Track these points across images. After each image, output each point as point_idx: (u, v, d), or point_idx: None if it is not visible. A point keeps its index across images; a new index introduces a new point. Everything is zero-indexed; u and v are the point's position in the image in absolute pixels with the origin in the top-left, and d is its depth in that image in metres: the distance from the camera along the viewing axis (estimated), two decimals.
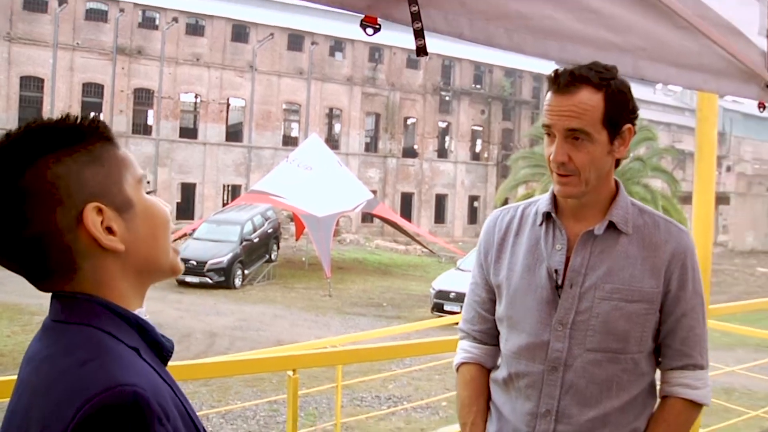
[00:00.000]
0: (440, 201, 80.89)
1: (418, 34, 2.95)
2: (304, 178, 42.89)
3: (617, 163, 3.23)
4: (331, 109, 75.26)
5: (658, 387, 3.37)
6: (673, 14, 3.98)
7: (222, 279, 38.81)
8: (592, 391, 3.16)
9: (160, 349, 1.99)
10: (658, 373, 3.39)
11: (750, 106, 5.80)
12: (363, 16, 2.96)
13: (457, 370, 3.63)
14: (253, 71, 69.28)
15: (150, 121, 66.00)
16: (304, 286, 40.28)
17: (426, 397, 16.36)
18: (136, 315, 1.94)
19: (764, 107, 4.77)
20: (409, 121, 79.85)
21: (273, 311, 31.80)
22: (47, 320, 1.93)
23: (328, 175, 43.98)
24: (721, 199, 77.18)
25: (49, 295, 1.95)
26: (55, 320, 1.90)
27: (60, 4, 60.51)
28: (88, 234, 1.86)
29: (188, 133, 67.48)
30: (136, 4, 64.07)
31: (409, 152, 79.22)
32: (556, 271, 3.21)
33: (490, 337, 3.52)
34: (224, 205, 60.70)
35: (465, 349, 3.61)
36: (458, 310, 28.18)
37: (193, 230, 44.34)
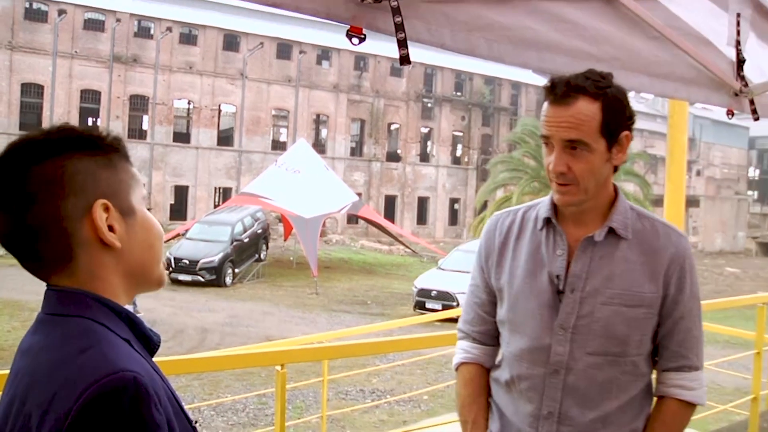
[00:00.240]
0: (422, 203, 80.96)
1: (402, 44, 2.94)
2: (292, 181, 42.91)
3: (615, 168, 3.17)
4: (318, 115, 75.24)
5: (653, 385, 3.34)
6: (646, 25, 3.98)
7: (213, 277, 38.75)
8: (593, 393, 3.12)
9: (147, 341, 2.02)
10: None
11: (719, 113, 5.77)
12: (349, 26, 2.95)
13: (457, 369, 3.57)
14: (243, 79, 69.32)
15: (145, 126, 66.00)
16: (291, 284, 40.23)
17: (408, 391, 16.37)
18: (126, 309, 1.98)
19: (733, 114, 4.77)
20: (392, 127, 79.88)
21: (262, 308, 31.76)
22: (41, 314, 1.96)
23: (315, 179, 44.02)
24: (691, 202, 77.42)
25: None
26: (49, 313, 1.92)
27: (59, 15, 60.62)
28: (92, 226, 1.90)
29: (181, 137, 67.48)
30: (132, 15, 64.18)
31: (393, 156, 79.33)
32: (557, 276, 3.15)
33: (489, 337, 3.47)
34: (216, 206, 60.79)
35: (465, 349, 3.55)
36: (439, 308, 28.43)
37: (186, 231, 44.28)
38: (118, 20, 63.00)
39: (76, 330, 1.86)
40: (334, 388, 16.52)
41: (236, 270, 41.21)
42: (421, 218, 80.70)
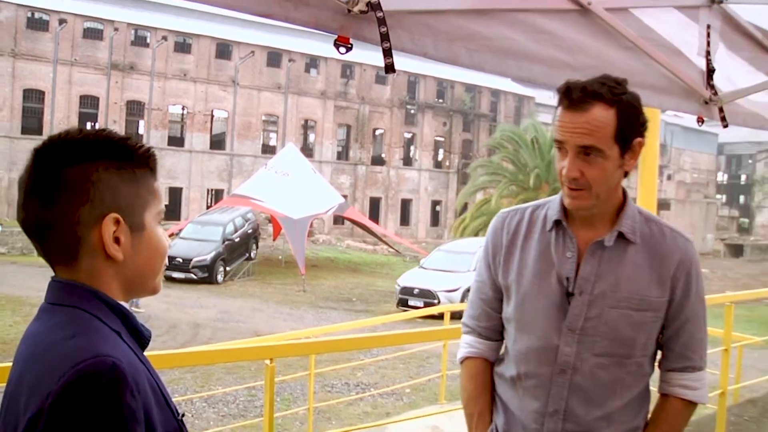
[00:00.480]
0: (405, 205, 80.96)
1: (387, 53, 2.94)
2: (281, 184, 42.83)
3: (625, 173, 3.08)
4: (306, 121, 75.17)
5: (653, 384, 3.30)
6: (620, 36, 3.98)
7: (205, 275, 38.77)
8: (598, 393, 3.08)
9: (139, 336, 2.04)
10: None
11: (689, 120, 5.77)
12: (336, 36, 2.95)
13: (461, 362, 3.52)
14: (235, 86, 69.25)
15: (141, 131, 65.68)
16: (280, 282, 40.18)
17: (391, 385, 16.33)
18: (120, 304, 2.00)
19: (703, 121, 4.78)
20: (377, 132, 79.90)
21: (252, 305, 31.68)
22: (43, 304, 1.99)
23: (303, 181, 43.94)
24: (663, 205, 77.53)
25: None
26: (50, 303, 1.97)
27: (60, 24, 60.56)
28: (100, 236, 1.94)
29: (176, 141, 67.40)
30: (129, 24, 64.12)
31: (377, 160, 79.32)
32: (567, 278, 3.10)
33: (494, 333, 3.42)
34: (208, 207, 60.80)
35: (470, 344, 3.49)
36: (421, 305, 28.39)
37: (180, 230, 44.14)
38: (116, 29, 62.93)
39: (69, 318, 1.90)
40: (321, 382, 16.48)
41: (227, 268, 41.18)
42: (404, 219, 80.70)
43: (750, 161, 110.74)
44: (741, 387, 11.78)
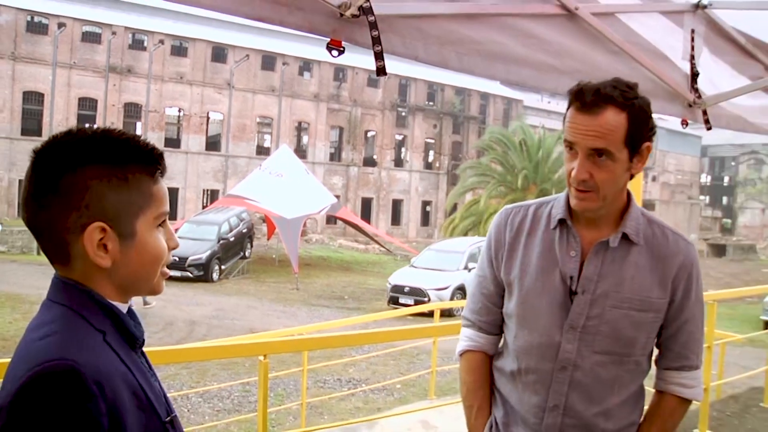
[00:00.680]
0: (396, 205, 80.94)
1: (378, 57, 2.93)
2: (275, 184, 42.84)
3: (631, 176, 3.07)
4: (299, 123, 75.12)
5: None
6: (606, 41, 3.98)
7: (201, 273, 38.75)
8: (598, 389, 3.07)
9: (131, 336, 2.02)
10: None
11: (674, 122, 5.77)
12: (329, 39, 2.95)
13: (461, 355, 3.51)
14: (230, 88, 69.18)
15: (138, 132, 65.46)
16: (274, 280, 40.18)
17: (382, 380, 16.34)
18: (112, 304, 1.98)
19: (687, 124, 4.79)
20: (369, 134, 79.84)
21: (246, 303, 31.64)
22: (44, 299, 1.99)
23: (297, 182, 43.93)
24: (647, 205, 77.29)
25: (48, 287, 2.01)
26: (49, 299, 1.97)
27: (59, 28, 60.44)
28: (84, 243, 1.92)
29: (172, 143, 67.17)
30: (126, 28, 63.99)
31: (369, 162, 79.27)
32: (570, 277, 3.09)
33: (494, 327, 3.40)
34: (204, 207, 60.61)
35: (470, 338, 3.47)
36: (412, 303, 28.45)
37: (176, 230, 43.82)
38: (114, 33, 62.83)
39: (53, 317, 1.90)
40: (313, 377, 16.48)
41: (222, 267, 41.22)
42: (395, 219, 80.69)
43: (733, 163, 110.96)
44: (723, 383, 11.79)
